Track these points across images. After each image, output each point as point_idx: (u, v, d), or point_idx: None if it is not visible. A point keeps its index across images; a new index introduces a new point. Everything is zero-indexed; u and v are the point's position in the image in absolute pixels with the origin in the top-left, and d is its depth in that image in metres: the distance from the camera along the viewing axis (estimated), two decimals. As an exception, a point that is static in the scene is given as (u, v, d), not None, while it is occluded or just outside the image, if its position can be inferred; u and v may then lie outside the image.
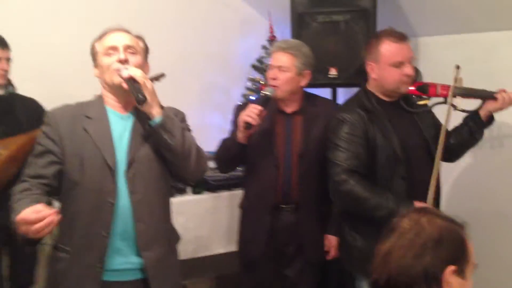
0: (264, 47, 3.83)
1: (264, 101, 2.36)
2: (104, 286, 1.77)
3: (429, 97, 2.37)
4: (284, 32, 3.51)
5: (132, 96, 1.75)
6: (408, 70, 2.21)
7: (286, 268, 2.55)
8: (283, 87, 2.41)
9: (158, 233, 1.86)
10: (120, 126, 1.84)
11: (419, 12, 3.07)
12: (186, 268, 3.22)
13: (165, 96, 3.42)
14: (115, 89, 1.82)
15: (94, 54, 1.86)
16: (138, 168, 1.80)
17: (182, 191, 3.15)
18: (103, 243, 1.75)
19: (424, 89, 2.33)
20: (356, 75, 2.88)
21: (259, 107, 2.31)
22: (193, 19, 3.78)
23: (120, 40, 1.81)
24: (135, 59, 1.81)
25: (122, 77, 1.75)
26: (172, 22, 3.70)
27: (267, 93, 2.38)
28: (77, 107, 1.88)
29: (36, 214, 1.55)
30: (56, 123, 1.80)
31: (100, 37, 1.86)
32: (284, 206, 2.48)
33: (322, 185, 2.43)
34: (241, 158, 2.53)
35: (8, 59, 2.65)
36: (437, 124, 2.38)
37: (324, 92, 3.75)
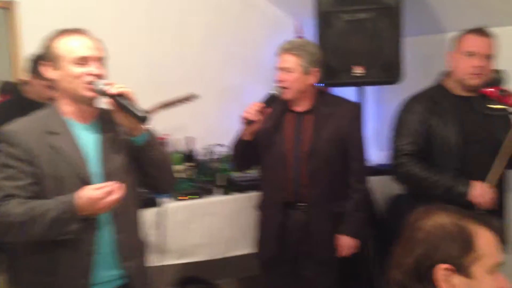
0: (291, 48, 3.85)
1: (270, 100, 2.38)
2: None
3: (506, 104, 2.35)
4: (311, 32, 3.51)
5: (122, 113, 1.69)
6: (476, 61, 2.24)
7: (303, 268, 2.54)
8: (291, 87, 2.41)
9: (137, 242, 1.89)
10: (85, 138, 1.76)
11: (447, 7, 3.01)
12: (216, 268, 3.27)
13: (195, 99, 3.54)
14: (79, 99, 1.73)
15: (52, 55, 1.71)
16: (114, 180, 1.69)
17: (210, 192, 3.20)
18: (88, 257, 1.72)
19: (503, 94, 2.34)
20: (382, 73, 2.86)
21: (260, 104, 2.34)
22: (221, 23, 3.83)
23: (93, 50, 1.71)
24: (104, 71, 1.74)
25: (106, 93, 1.68)
26: (200, 26, 3.77)
27: (274, 92, 2.40)
28: (33, 121, 1.75)
29: (99, 190, 1.59)
30: (23, 141, 1.68)
31: (59, 36, 1.73)
32: (293, 205, 2.47)
33: (332, 184, 2.45)
34: (252, 156, 2.53)
35: None
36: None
37: (351, 91, 3.77)
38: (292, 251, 2.52)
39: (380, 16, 2.86)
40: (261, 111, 2.33)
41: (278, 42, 3.82)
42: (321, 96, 2.53)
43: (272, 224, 2.51)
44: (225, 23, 3.84)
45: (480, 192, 2.20)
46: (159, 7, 3.62)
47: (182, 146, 3.44)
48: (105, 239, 1.75)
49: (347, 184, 2.50)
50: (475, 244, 1.15)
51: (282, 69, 2.42)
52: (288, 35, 3.84)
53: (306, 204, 2.47)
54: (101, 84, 1.68)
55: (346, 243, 2.49)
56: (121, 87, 1.68)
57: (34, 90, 2.74)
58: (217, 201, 3.14)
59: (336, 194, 2.49)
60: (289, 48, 2.43)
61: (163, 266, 2.86)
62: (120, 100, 1.68)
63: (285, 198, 2.47)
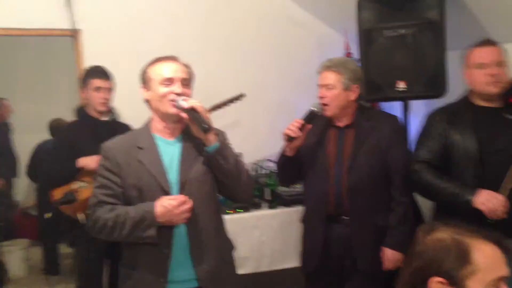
0: (340, 64, 3.89)
1: (310, 117, 2.42)
2: None
3: None
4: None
5: (195, 125, 1.90)
6: (490, 70, 2.29)
7: (347, 281, 2.55)
8: (332, 104, 2.45)
9: (210, 247, 1.98)
10: (169, 152, 1.98)
11: (493, 19, 2.94)
12: (262, 281, 3.34)
13: (244, 116, 3.67)
14: (166, 117, 1.97)
15: (146, 79, 1.98)
16: (189, 189, 1.93)
17: (257, 206, 3.30)
18: (165, 259, 1.91)
19: None
20: (425, 87, 2.85)
21: (301, 121, 2.39)
22: (271, 41, 3.96)
23: (177, 72, 1.94)
24: (187, 91, 1.97)
25: (183, 108, 1.89)
26: (252, 45, 3.92)
27: (314, 108, 2.44)
28: (128, 138, 2.05)
29: (173, 200, 1.85)
30: (114, 155, 1.96)
31: (153, 63, 1.99)
32: (337, 217, 2.50)
33: (374, 197, 2.44)
34: (295, 171, 2.60)
35: (109, 89, 2.95)
36: None
37: (395, 106, 3.74)
38: (335, 264, 2.54)
39: (422, 30, 2.86)
40: (301, 128, 2.38)
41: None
42: (362, 111, 2.57)
43: (315, 237, 2.55)
44: (276, 42, 3.97)
45: (484, 199, 2.17)
46: (213, 26, 3.82)
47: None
48: (180, 241, 1.93)
49: (390, 197, 2.51)
50: (472, 258, 1.14)
51: (323, 86, 2.48)
52: (338, 51, 3.90)
53: (348, 217, 2.49)
54: (180, 100, 1.90)
55: (390, 256, 2.48)
56: (193, 102, 1.89)
57: (90, 105, 2.98)
58: (263, 215, 3.24)
59: (378, 207, 2.50)
60: (329, 66, 2.49)
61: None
62: (192, 113, 1.89)
63: (328, 211, 2.50)
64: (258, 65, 3.91)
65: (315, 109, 2.44)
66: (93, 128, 2.93)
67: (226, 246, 2.12)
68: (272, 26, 3.98)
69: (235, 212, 3.25)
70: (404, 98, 3.06)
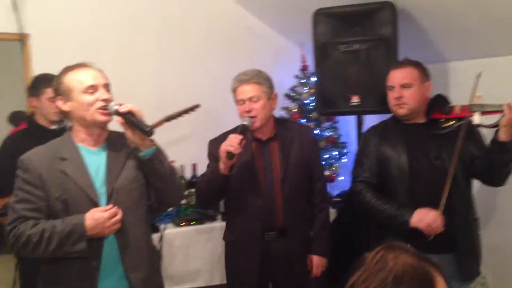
0: (297, 77, 3.92)
1: (243, 131, 2.36)
2: None
3: (455, 118, 2.37)
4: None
5: (131, 129, 1.87)
6: (394, 93, 2.42)
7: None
8: (260, 116, 2.43)
9: (142, 255, 1.99)
10: (94, 161, 1.95)
11: (447, 37, 3.03)
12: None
13: (199, 127, 3.62)
14: (93, 125, 1.92)
15: (64, 89, 1.90)
16: (117, 198, 1.91)
17: (213, 219, 3.29)
18: (94, 271, 1.87)
19: (447, 111, 2.40)
20: (378, 102, 2.89)
21: (240, 136, 2.31)
22: (227, 50, 3.93)
23: (98, 79, 1.91)
24: (111, 95, 1.94)
25: (118, 112, 1.86)
26: (208, 55, 3.89)
27: (245, 122, 2.40)
28: (49, 149, 1.96)
29: (104, 212, 1.81)
30: (35, 168, 1.87)
31: (67, 72, 1.93)
32: (270, 233, 2.48)
33: (303, 206, 2.54)
34: (223, 191, 2.50)
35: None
36: (475, 142, 2.41)
37: (349, 120, 3.79)
38: (270, 280, 2.55)
39: (376, 46, 2.90)
40: (240, 143, 2.31)
41: (285, 70, 3.95)
42: (279, 123, 2.59)
43: (251, 257, 2.48)
44: (233, 53, 3.93)
45: (419, 218, 2.27)
46: (167, 35, 3.76)
47: (187, 173, 3.51)
48: (110, 253, 1.90)
49: (312, 204, 2.59)
50: (435, 286, 1.14)
51: (247, 99, 2.43)
52: (294, 63, 3.93)
53: (282, 231, 2.49)
54: (113, 106, 1.88)
55: (319, 263, 2.57)
56: (130, 106, 1.87)
57: (41, 113, 2.88)
58: (217, 227, 3.19)
59: (307, 216, 2.58)
60: (248, 79, 2.45)
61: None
62: (129, 117, 1.86)
63: (261, 228, 2.47)
64: (214, 76, 3.87)
65: (246, 123, 2.40)
66: (40, 138, 2.81)
67: (155, 254, 2.15)
68: (229, 37, 3.96)
69: (188, 224, 3.20)
70: (358, 112, 3.10)
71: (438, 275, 1.17)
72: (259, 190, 2.46)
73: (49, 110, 2.84)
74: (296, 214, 2.50)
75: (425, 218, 2.26)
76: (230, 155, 2.28)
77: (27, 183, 1.87)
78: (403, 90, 2.39)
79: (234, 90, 2.48)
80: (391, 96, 2.44)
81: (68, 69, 1.93)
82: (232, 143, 2.28)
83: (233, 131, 2.38)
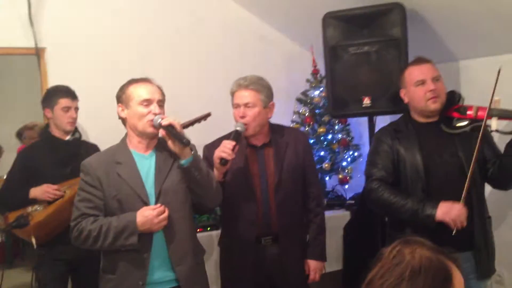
0: (308, 81, 3.95)
1: (236, 137, 2.37)
2: None
3: (469, 119, 2.38)
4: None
5: (172, 140, 2.09)
6: (429, 86, 2.38)
7: None
8: (253, 123, 2.44)
9: (186, 250, 2.18)
10: (145, 165, 2.18)
11: (457, 36, 3.04)
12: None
13: (211, 134, 3.66)
14: (143, 134, 2.15)
15: (125, 98, 2.15)
16: (165, 198, 2.13)
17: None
18: (144, 263, 2.09)
19: (463, 111, 2.40)
20: (390, 103, 2.91)
21: (233, 142, 2.32)
22: (239, 56, 3.96)
23: (155, 94, 2.14)
24: (162, 110, 2.17)
25: (161, 125, 2.08)
26: (220, 62, 3.91)
27: (238, 128, 2.40)
28: (107, 154, 2.24)
29: (153, 210, 2.03)
30: (94, 171, 2.13)
31: (131, 84, 2.17)
32: (265, 238, 2.49)
33: (298, 211, 2.54)
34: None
35: (76, 108, 2.97)
36: (488, 145, 2.41)
37: (361, 121, 3.79)
38: (264, 285, 2.54)
39: (386, 47, 2.92)
40: (233, 149, 2.32)
41: (297, 74, 3.98)
42: (274, 129, 2.59)
43: (245, 261, 2.49)
44: (244, 59, 3.95)
45: (445, 211, 2.22)
46: (180, 44, 3.81)
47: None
48: (159, 248, 2.12)
49: (307, 209, 2.60)
50: (451, 280, 1.15)
51: (243, 104, 2.44)
52: (305, 68, 3.96)
53: (276, 236, 2.50)
54: (157, 119, 2.10)
55: (316, 267, 2.57)
56: (170, 119, 2.10)
57: (55, 124, 2.95)
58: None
59: (302, 221, 2.59)
60: (247, 84, 2.46)
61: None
62: (170, 130, 2.08)
63: (256, 233, 2.48)
64: (227, 84, 3.89)
65: (239, 128, 2.41)
66: (54, 150, 2.93)
67: (198, 248, 2.30)
68: (240, 44, 4.00)
69: (202, 230, 3.25)
70: (370, 113, 3.11)
71: (455, 267, 1.18)
72: (254, 195, 2.47)
73: (62, 120, 2.92)
74: (291, 219, 2.50)
75: (451, 211, 2.21)
76: (223, 161, 2.31)
77: (88, 184, 2.12)
78: (435, 83, 2.38)
79: (232, 93, 2.50)
80: (424, 90, 2.37)
81: (132, 81, 2.18)
82: (225, 149, 2.30)
83: (227, 137, 2.39)
